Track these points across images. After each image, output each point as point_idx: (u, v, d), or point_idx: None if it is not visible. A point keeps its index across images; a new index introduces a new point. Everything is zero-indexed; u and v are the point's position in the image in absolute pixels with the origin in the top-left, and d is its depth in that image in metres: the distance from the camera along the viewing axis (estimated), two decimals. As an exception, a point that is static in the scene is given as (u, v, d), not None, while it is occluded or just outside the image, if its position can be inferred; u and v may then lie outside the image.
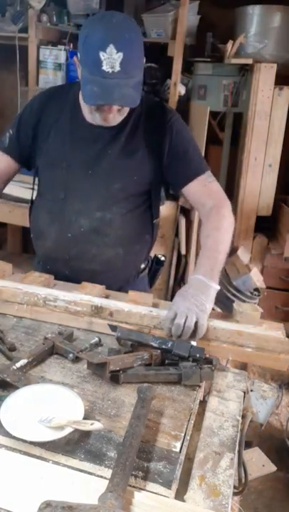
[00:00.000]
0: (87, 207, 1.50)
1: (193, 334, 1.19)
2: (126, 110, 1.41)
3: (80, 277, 1.48)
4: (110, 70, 1.24)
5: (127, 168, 1.49)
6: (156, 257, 1.77)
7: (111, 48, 1.22)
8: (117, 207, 1.51)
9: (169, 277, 3.14)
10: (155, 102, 1.57)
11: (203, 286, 1.27)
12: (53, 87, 1.67)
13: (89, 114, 1.44)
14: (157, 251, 3.13)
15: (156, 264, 1.76)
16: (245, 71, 3.07)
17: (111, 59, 1.23)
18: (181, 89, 3.27)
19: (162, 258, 1.77)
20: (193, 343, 1.16)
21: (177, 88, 3.16)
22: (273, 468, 2.25)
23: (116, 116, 1.40)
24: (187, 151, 1.50)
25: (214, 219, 1.43)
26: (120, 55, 1.23)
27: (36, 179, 1.62)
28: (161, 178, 1.54)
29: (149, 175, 1.51)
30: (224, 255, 1.36)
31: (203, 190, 1.49)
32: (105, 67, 1.24)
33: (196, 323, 1.19)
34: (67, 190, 1.51)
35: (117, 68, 1.24)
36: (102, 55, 1.23)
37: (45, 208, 1.58)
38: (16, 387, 1.02)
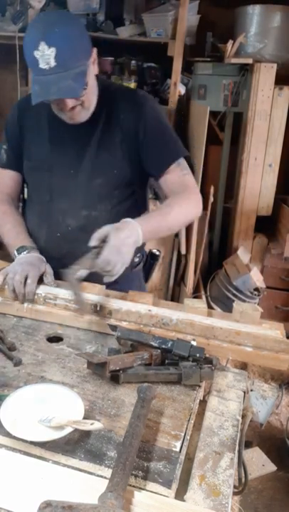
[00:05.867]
0: (72, 206, 1.53)
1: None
2: (89, 104, 1.42)
3: None
4: (47, 67, 1.26)
5: (107, 163, 1.50)
6: (150, 251, 1.79)
7: (42, 45, 1.24)
8: (102, 203, 1.53)
9: (169, 277, 3.14)
10: (125, 90, 1.58)
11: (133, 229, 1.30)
12: (29, 94, 1.67)
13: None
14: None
15: (151, 258, 1.78)
16: (245, 71, 3.07)
17: (45, 56, 1.24)
18: (181, 89, 3.27)
19: (157, 252, 1.79)
20: (194, 342, 1.16)
21: (177, 88, 3.16)
22: (273, 468, 2.26)
23: (80, 112, 1.41)
24: (162, 136, 1.51)
25: (182, 197, 1.46)
26: (53, 49, 1.24)
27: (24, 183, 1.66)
28: (141, 167, 1.54)
29: (130, 166, 1.52)
30: (168, 226, 1.44)
31: (178, 182, 1.50)
32: (42, 65, 1.26)
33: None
34: (52, 192, 1.55)
35: (53, 63, 1.25)
36: (37, 54, 1.25)
37: (34, 211, 1.62)
38: (16, 387, 1.02)
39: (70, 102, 1.35)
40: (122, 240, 1.25)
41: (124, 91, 1.57)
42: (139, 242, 1.30)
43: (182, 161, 1.52)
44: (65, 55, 1.25)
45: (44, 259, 1.48)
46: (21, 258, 1.46)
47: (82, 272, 1.24)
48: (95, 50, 1.37)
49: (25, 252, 1.48)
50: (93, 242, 1.25)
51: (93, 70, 1.38)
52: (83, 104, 1.40)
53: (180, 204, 1.45)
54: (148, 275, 1.79)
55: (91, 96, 1.43)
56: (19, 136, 1.57)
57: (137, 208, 1.60)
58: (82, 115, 1.43)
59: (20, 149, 1.58)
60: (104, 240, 1.24)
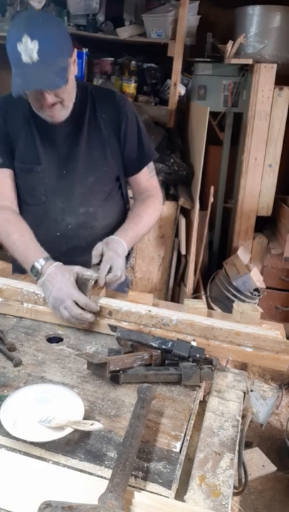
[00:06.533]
0: (69, 205, 1.57)
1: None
2: (68, 102, 1.44)
3: None
4: (30, 61, 1.26)
5: (97, 161, 1.55)
6: None
7: (26, 38, 1.24)
8: (96, 199, 1.60)
9: (169, 277, 3.14)
10: (103, 90, 1.62)
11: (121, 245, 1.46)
12: (6, 94, 1.67)
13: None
14: (157, 251, 3.13)
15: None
16: (245, 71, 3.07)
17: (28, 49, 1.25)
18: (181, 90, 3.27)
19: None
20: (194, 343, 1.16)
21: (177, 88, 3.16)
22: (273, 468, 2.25)
23: (60, 110, 1.43)
24: (140, 139, 1.60)
25: (147, 203, 1.65)
26: (36, 43, 1.24)
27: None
28: (123, 163, 1.62)
29: (116, 162, 1.59)
30: (142, 233, 1.61)
31: (145, 184, 1.68)
32: (24, 59, 1.26)
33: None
34: (47, 193, 1.56)
35: (35, 58, 1.25)
36: (19, 46, 1.25)
37: (28, 212, 1.61)
38: (16, 388, 1.02)
39: (50, 98, 1.36)
40: (114, 251, 1.40)
41: (103, 91, 1.61)
42: (126, 251, 1.48)
43: (151, 164, 1.68)
44: (48, 49, 1.26)
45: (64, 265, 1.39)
46: (52, 280, 1.32)
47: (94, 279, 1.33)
48: (75, 51, 1.39)
49: (45, 268, 1.35)
50: (95, 259, 1.40)
51: (73, 69, 1.40)
52: (63, 103, 1.41)
53: (146, 211, 1.62)
54: (127, 261, 1.81)
55: (71, 95, 1.45)
56: (8, 136, 1.56)
57: (123, 201, 1.72)
58: (62, 114, 1.45)
59: (11, 147, 1.56)
60: (101, 257, 1.40)
